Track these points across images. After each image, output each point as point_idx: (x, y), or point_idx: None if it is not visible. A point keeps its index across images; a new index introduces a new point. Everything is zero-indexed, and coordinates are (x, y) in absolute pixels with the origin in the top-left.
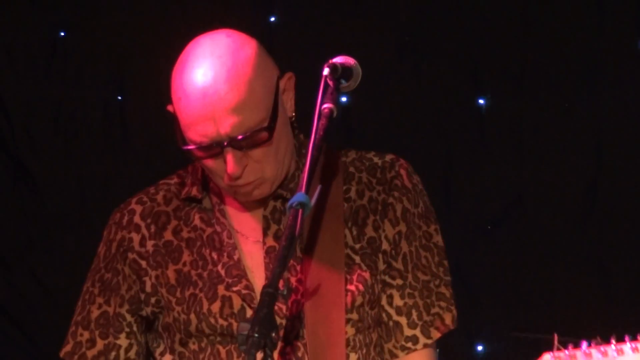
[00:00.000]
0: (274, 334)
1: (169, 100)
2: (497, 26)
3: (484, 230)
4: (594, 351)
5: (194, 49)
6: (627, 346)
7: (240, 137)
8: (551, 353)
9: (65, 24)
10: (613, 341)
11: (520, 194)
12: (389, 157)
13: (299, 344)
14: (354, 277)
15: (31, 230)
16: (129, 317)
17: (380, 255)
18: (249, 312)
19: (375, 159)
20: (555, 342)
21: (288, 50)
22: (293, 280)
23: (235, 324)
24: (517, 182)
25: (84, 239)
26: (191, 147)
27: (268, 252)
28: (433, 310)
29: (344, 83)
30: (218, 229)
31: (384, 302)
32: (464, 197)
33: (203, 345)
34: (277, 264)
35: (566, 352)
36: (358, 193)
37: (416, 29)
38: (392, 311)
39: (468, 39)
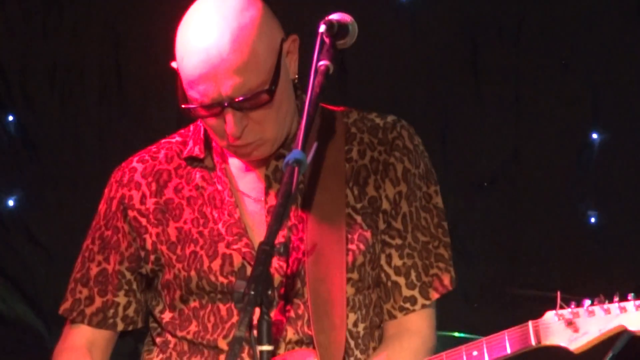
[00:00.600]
0: (270, 292)
1: (165, 58)
2: None
3: (480, 187)
4: (597, 309)
5: (200, 8)
6: (630, 304)
7: (241, 98)
8: (554, 311)
9: None
10: (616, 298)
11: (516, 150)
12: (390, 118)
13: (300, 301)
14: (355, 237)
15: (26, 188)
16: (128, 275)
17: (380, 215)
18: (250, 269)
19: (377, 120)
20: (559, 300)
21: (285, 7)
22: (294, 239)
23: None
24: (513, 138)
25: (80, 195)
26: (192, 105)
27: (269, 211)
28: (432, 271)
29: (340, 40)
30: (219, 187)
31: (382, 261)
32: (460, 154)
33: (204, 302)
34: (273, 221)
35: (569, 309)
36: (359, 153)
37: None
38: (390, 271)
39: None
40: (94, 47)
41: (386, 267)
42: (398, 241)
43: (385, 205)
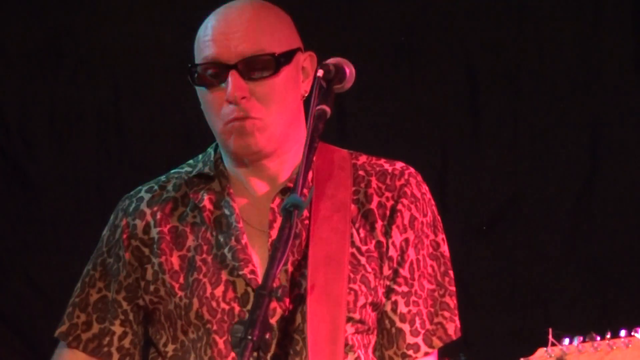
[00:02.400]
0: (267, 336)
1: (164, 103)
2: (492, 27)
3: (479, 231)
4: (587, 346)
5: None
6: (620, 342)
7: (247, 57)
8: (545, 348)
9: (60, 24)
10: (608, 336)
11: (515, 195)
12: (399, 165)
13: (299, 337)
14: (358, 277)
15: (26, 231)
16: (125, 305)
17: (386, 261)
18: (252, 299)
19: (386, 165)
20: (550, 337)
21: None
22: (297, 274)
23: (237, 308)
24: (512, 182)
25: (79, 239)
26: (200, 63)
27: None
28: (436, 320)
29: (337, 84)
30: (226, 212)
31: (388, 308)
32: (459, 197)
33: (200, 334)
34: (270, 265)
35: (560, 347)
36: (367, 196)
37: (412, 30)
38: (395, 318)
39: (463, 40)
40: (93, 91)
41: (391, 314)
42: (404, 288)
43: (392, 252)
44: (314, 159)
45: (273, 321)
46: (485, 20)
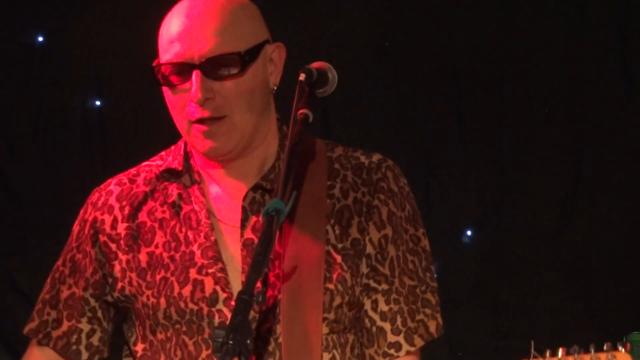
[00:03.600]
0: (249, 341)
1: (149, 107)
2: (477, 31)
3: (463, 236)
4: (570, 358)
5: None
6: (604, 354)
7: (212, 57)
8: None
9: (43, 29)
10: (592, 349)
11: (500, 200)
12: (376, 157)
13: (271, 338)
14: (334, 276)
15: (10, 236)
16: (92, 302)
17: (363, 259)
18: (222, 297)
19: (362, 158)
20: (532, 350)
21: None
22: (271, 275)
23: (206, 309)
24: (496, 188)
25: (63, 244)
26: (164, 63)
27: (245, 244)
28: (418, 317)
29: (319, 88)
30: (196, 207)
31: (367, 307)
32: (444, 202)
33: (169, 334)
34: (252, 269)
35: (542, 359)
36: (342, 192)
37: (395, 33)
38: (376, 317)
39: (447, 44)
40: (76, 95)
41: (371, 313)
42: (385, 286)
43: (370, 249)
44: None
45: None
46: (470, 26)
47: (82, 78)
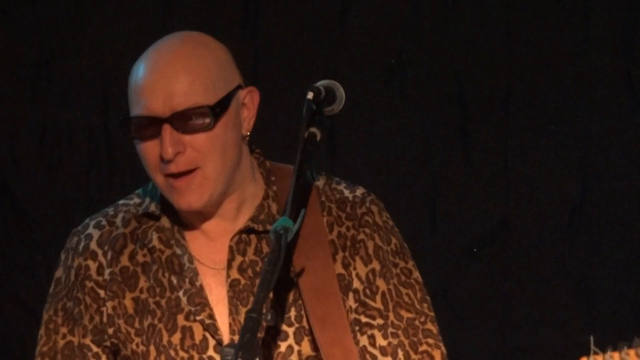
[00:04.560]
0: (257, 359)
1: None
2: (482, 50)
3: (470, 253)
4: (632, 353)
5: (163, 37)
6: None
7: (180, 110)
8: (588, 357)
9: (49, 47)
10: None
11: (506, 218)
12: (359, 191)
13: None
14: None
15: (16, 254)
16: (94, 348)
17: (350, 294)
18: (212, 343)
19: (346, 192)
20: (592, 345)
21: (274, 74)
22: (302, 313)
23: (197, 356)
24: (502, 205)
25: None
26: (132, 117)
27: (232, 285)
28: (421, 348)
29: (327, 107)
30: (178, 251)
31: (365, 342)
32: (450, 220)
33: None
34: (261, 288)
35: (604, 355)
36: (328, 225)
37: (401, 51)
38: (376, 352)
39: (453, 63)
40: (83, 112)
41: (370, 349)
42: (380, 321)
43: (357, 284)
44: (281, 186)
45: (282, 349)
46: (476, 44)
47: (88, 95)
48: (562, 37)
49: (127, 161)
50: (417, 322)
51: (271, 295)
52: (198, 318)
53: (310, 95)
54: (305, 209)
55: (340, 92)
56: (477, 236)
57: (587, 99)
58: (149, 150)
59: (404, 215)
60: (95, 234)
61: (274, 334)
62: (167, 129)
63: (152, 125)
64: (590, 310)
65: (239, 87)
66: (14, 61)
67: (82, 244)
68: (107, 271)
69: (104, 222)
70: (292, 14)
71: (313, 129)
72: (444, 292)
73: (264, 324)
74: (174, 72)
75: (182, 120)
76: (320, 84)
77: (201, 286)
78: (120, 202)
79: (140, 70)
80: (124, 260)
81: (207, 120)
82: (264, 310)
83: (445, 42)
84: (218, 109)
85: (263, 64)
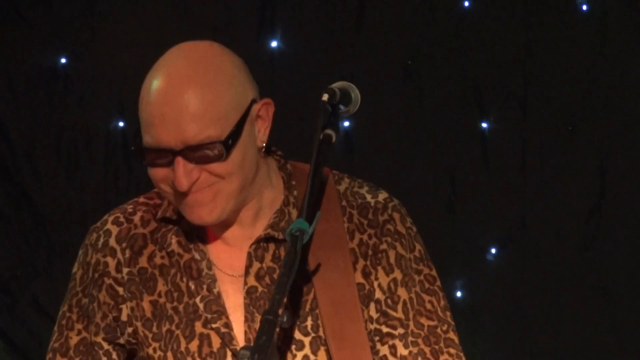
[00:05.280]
0: None
1: None
2: (499, 50)
3: (488, 254)
4: None
5: (172, 51)
6: None
7: (193, 146)
8: None
9: (66, 50)
10: None
11: (524, 218)
12: (382, 196)
13: None
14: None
15: (35, 259)
16: (106, 346)
17: (372, 304)
18: (229, 354)
19: (368, 197)
20: None
21: (290, 75)
22: (319, 323)
23: None
24: (520, 205)
25: None
26: (144, 148)
27: (249, 292)
28: (442, 357)
29: (342, 108)
30: (197, 256)
31: (386, 352)
32: (468, 220)
33: None
34: (277, 290)
35: None
36: (349, 232)
37: (419, 53)
38: None
39: (470, 63)
40: (100, 116)
41: (391, 358)
42: (401, 330)
43: (379, 294)
44: (302, 190)
45: None
46: (493, 43)
47: (105, 99)
48: (579, 37)
49: (143, 166)
50: (438, 330)
51: (288, 301)
52: (214, 326)
53: (325, 97)
54: (320, 211)
55: (356, 93)
56: (494, 236)
57: (605, 98)
58: (162, 175)
59: (422, 216)
60: (114, 230)
61: (290, 343)
62: (179, 162)
63: (164, 155)
64: (610, 311)
65: (252, 102)
66: (30, 65)
67: (102, 240)
68: (125, 270)
69: (122, 219)
70: (308, 14)
71: (328, 131)
72: (462, 293)
73: (280, 326)
74: (184, 104)
75: (195, 152)
76: (335, 85)
77: (219, 293)
78: (140, 199)
79: (150, 97)
80: (143, 262)
81: (221, 151)
82: (280, 313)
83: (463, 43)
84: (231, 141)
85: (279, 67)
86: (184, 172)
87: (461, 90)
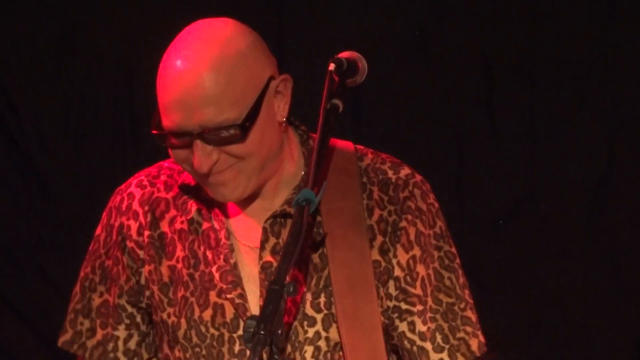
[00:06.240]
0: (280, 331)
1: None
2: (507, 19)
3: (496, 226)
4: None
5: (188, 30)
6: None
7: (211, 130)
8: None
9: (73, 21)
10: None
11: (532, 189)
12: (403, 172)
13: None
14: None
15: (41, 229)
16: (129, 308)
17: (391, 282)
18: (242, 325)
19: (390, 173)
20: None
21: (297, 46)
22: (332, 300)
23: (227, 335)
24: (528, 177)
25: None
26: (163, 132)
27: (264, 267)
28: (459, 335)
29: (349, 78)
30: (216, 225)
31: (404, 329)
32: (476, 192)
33: (188, 355)
34: (283, 260)
35: None
36: (368, 209)
37: (426, 23)
38: (415, 337)
39: (478, 33)
40: (107, 88)
41: (410, 334)
42: (419, 307)
43: (398, 272)
44: (323, 166)
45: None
46: (501, 14)
47: (112, 70)
48: (588, 9)
49: (151, 136)
50: (456, 308)
51: (302, 276)
52: (229, 296)
53: (332, 66)
54: (326, 181)
55: (363, 63)
56: (503, 208)
57: (614, 68)
58: (182, 157)
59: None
60: (137, 193)
61: (302, 319)
62: (198, 145)
63: (183, 137)
64: (618, 283)
65: (270, 79)
66: (37, 36)
67: (126, 202)
68: (146, 233)
69: (145, 182)
70: None
71: (335, 101)
72: (470, 265)
73: (286, 296)
74: (200, 88)
75: (213, 135)
76: (342, 55)
77: (235, 264)
78: (165, 164)
79: (167, 80)
80: (164, 226)
81: (238, 133)
82: (286, 283)
83: (470, 13)
84: (248, 122)
85: (286, 37)
86: (202, 154)
87: (469, 61)
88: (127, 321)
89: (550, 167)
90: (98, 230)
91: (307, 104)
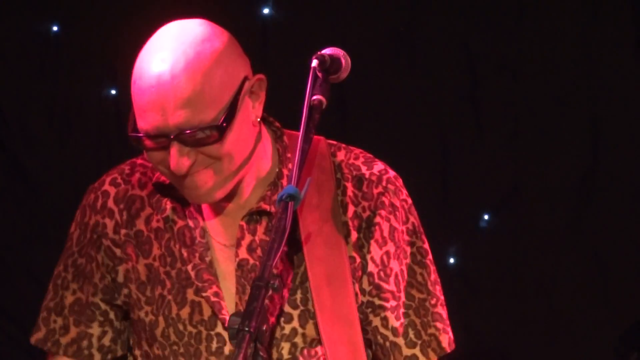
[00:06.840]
0: (264, 327)
1: None
2: (492, 16)
3: (480, 220)
4: None
5: (162, 33)
6: None
7: (187, 131)
8: None
9: (58, 18)
10: None
11: (516, 185)
12: (377, 168)
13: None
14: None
15: (28, 227)
16: (103, 306)
17: (364, 277)
18: (219, 323)
19: (364, 169)
20: None
21: (282, 42)
22: (309, 296)
23: (205, 332)
24: (512, 172)
25: None
26: (139, 134)
27: (240, 265)
28: (430, 331)
29: (333, 75)
30: (191, 223)
31: (377, 324)
32: (460, 187)
33: (166, 353)
34: (267, 256)
35: None
36: (342, 205)
37: (411, 20)
38: (388, 333)
39: (463, 30)
40: (92, 85)
41: (382, 330)
42: (392, 303)
43: (371, 267)
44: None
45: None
46: (486, 10)
47: (97, 67)
48: (572, 6)
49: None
50: (427, 304)
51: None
52: (204, 295)
53: (315, 63)
54: (310, 178)
55: (347, 60)
56: (487, 203)
57: (597, 64)
58: (158, 159)
59: (414, 183)
60: (112, 191)
61: (278, 316)
62: (175, 147)
63: (159, 139)
64: (603, 279)
65: (245, 80)
66: (22, 34)
67: (100, 200)
68: (122, 231)
69: (119, 180)
70: None
71: (318, 97)
72: (454, 260)
73: (271, 291)
74: (175, 90)
75: (190, 137)
76: (326, 51)
77: (210, 262)
78: (138, 160)
79: (142, 83)
80: (140, 224)
81: (216, 134)
82: (270, 279)
83: (455, 9)
84: (225, 123)
85: (271, 34)
86: (179, 156)
87: (453, 56)
88: (101, 318)
89: (535, 162)
90: (72, 228)
91: (292, 102)
